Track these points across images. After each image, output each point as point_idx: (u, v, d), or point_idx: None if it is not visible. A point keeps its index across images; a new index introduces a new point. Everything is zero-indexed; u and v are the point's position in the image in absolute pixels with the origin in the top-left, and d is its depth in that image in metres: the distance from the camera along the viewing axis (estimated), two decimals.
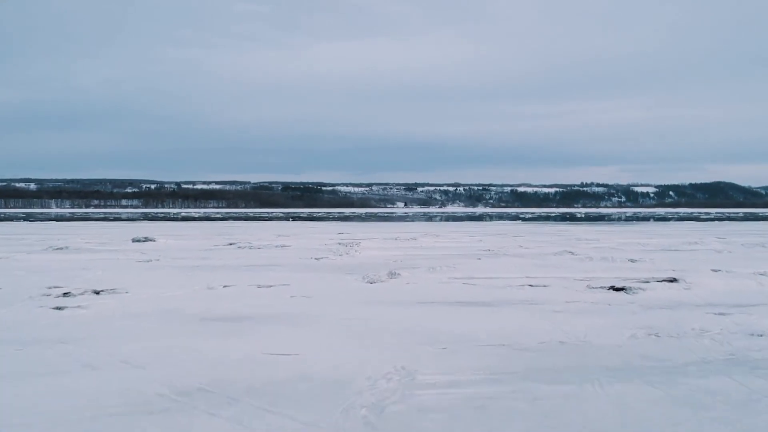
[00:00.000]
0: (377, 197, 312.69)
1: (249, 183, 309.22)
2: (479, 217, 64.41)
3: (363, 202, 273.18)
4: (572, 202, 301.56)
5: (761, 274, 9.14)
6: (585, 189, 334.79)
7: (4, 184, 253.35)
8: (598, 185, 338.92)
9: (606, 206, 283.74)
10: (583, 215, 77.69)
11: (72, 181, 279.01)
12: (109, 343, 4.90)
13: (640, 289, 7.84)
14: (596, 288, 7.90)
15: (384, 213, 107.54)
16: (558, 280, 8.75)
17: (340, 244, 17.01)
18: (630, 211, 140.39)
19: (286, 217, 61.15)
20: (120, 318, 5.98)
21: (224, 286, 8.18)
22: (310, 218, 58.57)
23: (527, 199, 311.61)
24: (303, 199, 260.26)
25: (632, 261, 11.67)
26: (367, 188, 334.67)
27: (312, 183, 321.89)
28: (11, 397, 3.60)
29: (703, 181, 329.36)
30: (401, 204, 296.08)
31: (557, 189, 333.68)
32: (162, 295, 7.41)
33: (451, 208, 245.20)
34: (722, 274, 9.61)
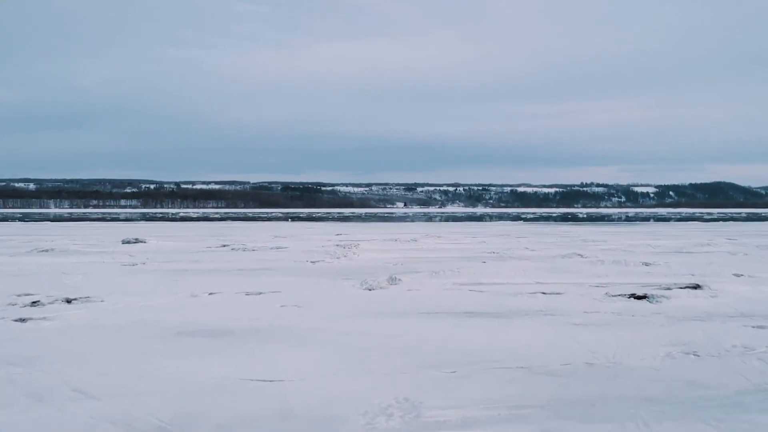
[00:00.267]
0: (377, 197, 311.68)
1: (248, 183, 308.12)
2: (480, 218, 63.72)
3: (363, 203, 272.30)
4: (572, 202, 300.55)
5: None
6: (585, 189, 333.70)
7: (3, 184, 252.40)
8: (598, 185, 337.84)
9: (606, 206, 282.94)
10: (585, 215, 77.01)
11: (71, 181, 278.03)
12: (65, 365, 4.23)
13: (663, 296, 7.17)
14: (616, 296, 7.23)
15: (384, 213, 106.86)
16: (572, 286, 8.08)
17: (337, 245, 16.33)
18: (632, 211, 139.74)
19: (285, 218, 60.46)
20: (86, 332, 5.31)
21: (209, 294, 7.51)
22: (309, 218, 57.89)
23: (527, 199, 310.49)
24: (302, 199, 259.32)
25: (646, 264, 11.01)
26: (367, 188, 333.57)
27: (311, 183, 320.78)
28: None
29: (703, 181, 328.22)
30: (401, 204, 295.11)
31: (557, 189, 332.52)
32: (139, 305, 6.74)
33: (451, 209, 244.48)
34: (746, 279, 8.97)
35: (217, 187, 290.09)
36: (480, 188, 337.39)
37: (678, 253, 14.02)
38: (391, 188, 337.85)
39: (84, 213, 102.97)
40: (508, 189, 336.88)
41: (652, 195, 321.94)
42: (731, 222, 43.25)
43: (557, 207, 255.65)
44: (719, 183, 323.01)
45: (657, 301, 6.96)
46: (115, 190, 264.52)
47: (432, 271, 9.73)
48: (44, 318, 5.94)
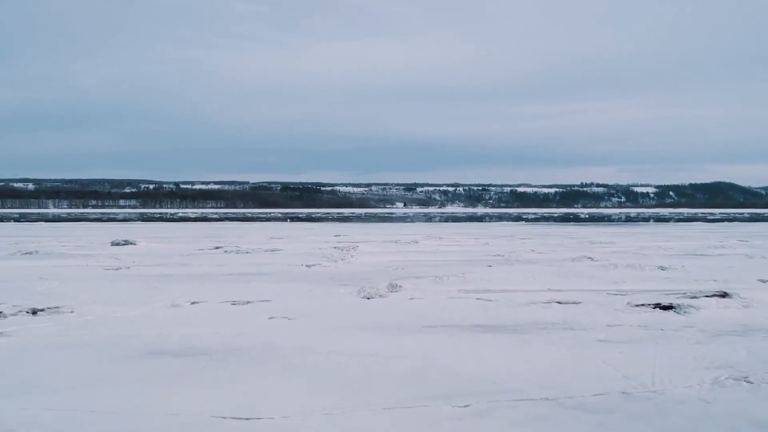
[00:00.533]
0: (377, 197, 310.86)
1: (248, 183, 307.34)
2: (480, 218, 63.07)
3: (362, 203, 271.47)
4: (572, 202, 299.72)
5: None
6: (585, 189, 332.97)
7: (2, 184, 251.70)
8: (597, 185, 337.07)
9: (606, 206, 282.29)
10: (586, 216, 76.37)
11: (70, 181, 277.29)
12: (2, 398, 3.56)
13: (691, 306, 6.50)
14: (639, 305, 6.56)
15: (383, 213, 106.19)
16: (588, 294, 7.42)
17: (335, 247, 15.66)
18: (633, 211, 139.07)
19: (284, 218, 59.79)
20: (43, 352, 4.64)
21: (191, 303, 6.84)
22: (308, 219, 57.22)
23: (527, 200, 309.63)
24: (302, 199, 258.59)
25: (663, 269, 10.34)
26: (367, 188, 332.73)
27: (311, 183, 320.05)
28: None
29: (703, 182, 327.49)
30: (401, 204, 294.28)
31: (557, 189, 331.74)
32: (112, 316, 6.07)
33: (450, 209, 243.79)
34: None
35: (216, 187, 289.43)
36: (480, 188, 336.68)
37: (692, 255, 13.36)
38: (390, 188, 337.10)
39: (82, 213, 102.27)
40: (508, 189, 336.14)
41: (652, 195, 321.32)
42: (735, 223, 42.59)
43: (557, 207, 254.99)
44: (719, 183, 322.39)
45: (685, 312, 6.29)
46: (114, 191, 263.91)
47: (435, 277, 9.07)
48: (1, 333, 5.27)
